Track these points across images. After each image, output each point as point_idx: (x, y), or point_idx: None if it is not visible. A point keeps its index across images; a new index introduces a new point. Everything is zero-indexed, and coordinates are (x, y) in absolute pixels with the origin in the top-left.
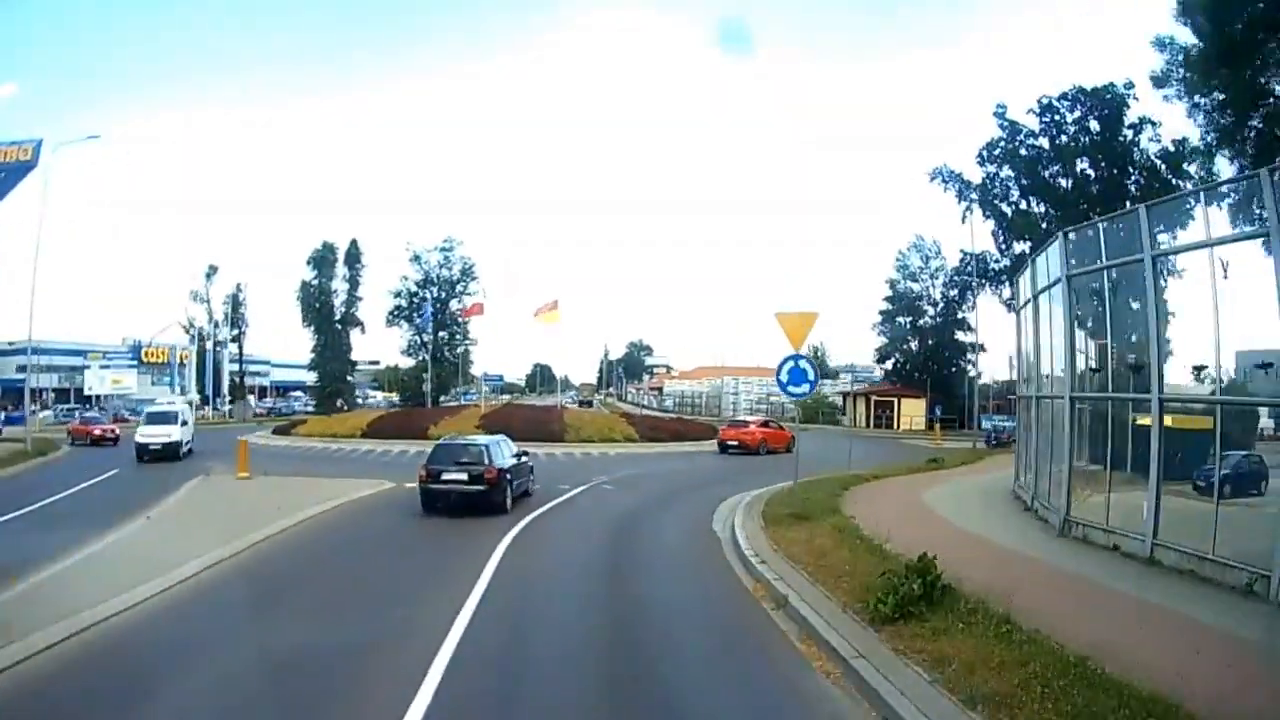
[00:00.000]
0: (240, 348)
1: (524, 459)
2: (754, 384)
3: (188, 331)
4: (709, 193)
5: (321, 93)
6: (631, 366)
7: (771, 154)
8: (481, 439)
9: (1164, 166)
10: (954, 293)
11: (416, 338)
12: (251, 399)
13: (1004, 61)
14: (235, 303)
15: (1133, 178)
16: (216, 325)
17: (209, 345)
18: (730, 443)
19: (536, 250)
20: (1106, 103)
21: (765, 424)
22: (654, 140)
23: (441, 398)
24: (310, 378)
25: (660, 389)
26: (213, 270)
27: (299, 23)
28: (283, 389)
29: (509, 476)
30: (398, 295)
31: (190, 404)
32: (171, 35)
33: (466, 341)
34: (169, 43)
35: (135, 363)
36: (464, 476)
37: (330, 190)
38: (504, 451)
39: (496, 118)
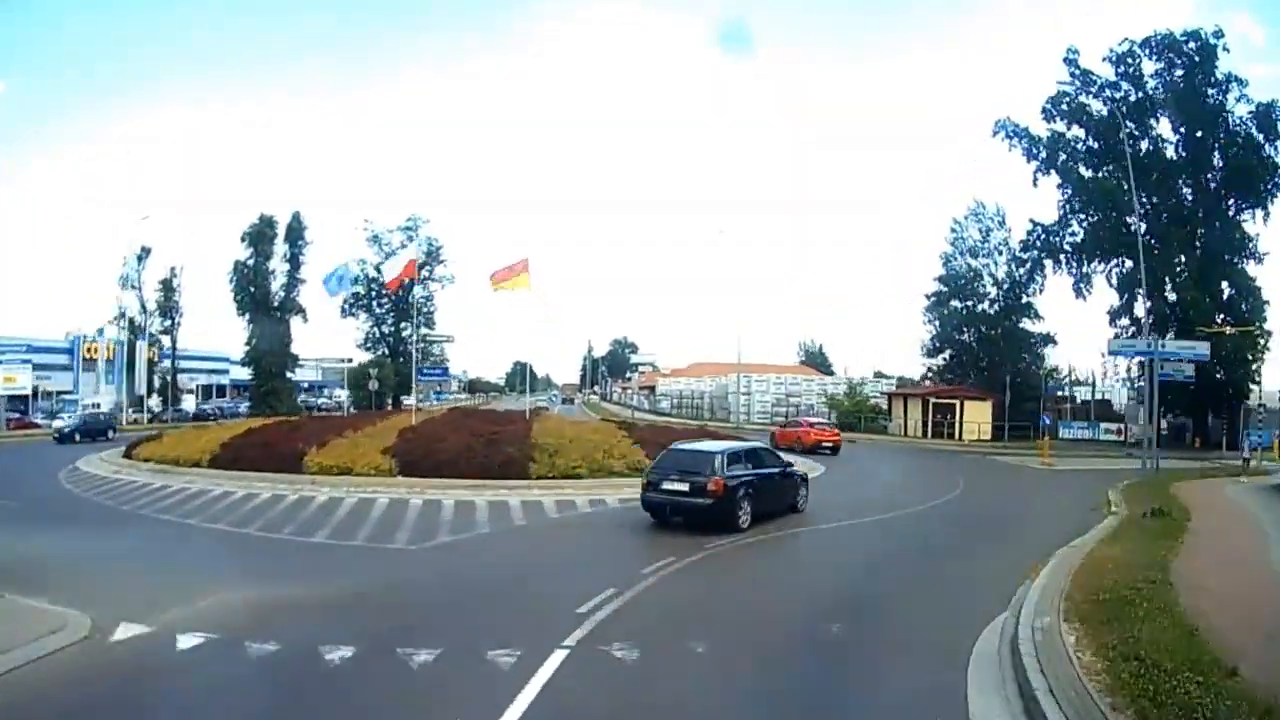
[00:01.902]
0: (174, 340)
1: (789, 469)
2: (769, 381)
3: (115, 323)
4: (695, 190)
5: (309, 92)
6: (616, 365)
7: (761, 150)
8: (718, 445)
9: (1257, 131)
10: (1021, 271)
11: (375, 329)
12: (190, 399)
13: (1004, 61)
14: (169, 289)
15: (1219, 141)
16: (149, 315)
17: (140, 338)
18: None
19: (518, 248)
20: (1192, 53)
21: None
22: (639, 137)
23: (403, 397)
24: (247, 374)
25: (653, 388)
26: (145, 252)
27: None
28: (242, 387)
29: (747, 491)
30: (355, 282)
31: (119, 405)
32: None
33: (440, 338)
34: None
35: (69, 358)
36: (684, 487)
37: (297, 182)
38: (755, 461)
39: (481, 115)
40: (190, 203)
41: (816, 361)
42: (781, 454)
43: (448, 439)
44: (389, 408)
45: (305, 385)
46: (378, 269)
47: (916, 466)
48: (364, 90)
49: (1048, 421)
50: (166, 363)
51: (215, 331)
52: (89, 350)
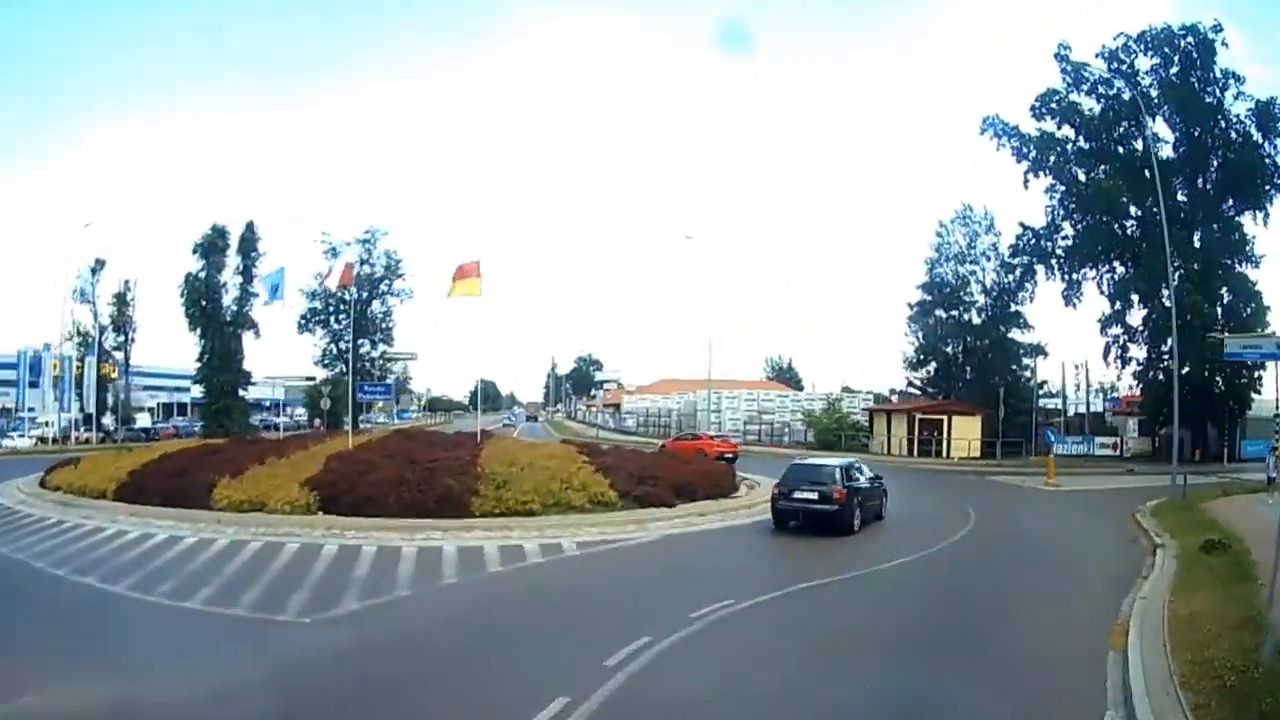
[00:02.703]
0: (126, 356)
1: (878, 479)
2: (739, 398)
3: (71, 339)
4: (661, 204)
5: (299, 98)
6: (580, 382)
7: (728, 163)
8: (832, 460)
9: (1256, 130)
10: (1010, 278)
11: (333, 345)
12: (144, 418)
13: (1003, 62)
14: (122, 302)
15: (1217, 141)
16: (103, 330)
17: (89, 353)
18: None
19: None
20: (1190, 48)
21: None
22: (600, 145)
23: (360, 417)
24: (204, 393)
25: (618, 405)
26: (99, 265)
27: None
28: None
29: (858, 499)
30: (313, 296)
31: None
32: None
33: (403, 355)
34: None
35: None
36: (813, 496)
37: (255, 193)
38: (858, 474)
39: (445, 128)
40: (147, 214)
41: (785, 377)
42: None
43: (379, 468)
44: (346, 428)
45: (267, 404)
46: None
47: (913, 492)
48: (333, 99)
49: (1052, 438)
50: (131, 380)
51: (177, 348)
52: (55, 367)
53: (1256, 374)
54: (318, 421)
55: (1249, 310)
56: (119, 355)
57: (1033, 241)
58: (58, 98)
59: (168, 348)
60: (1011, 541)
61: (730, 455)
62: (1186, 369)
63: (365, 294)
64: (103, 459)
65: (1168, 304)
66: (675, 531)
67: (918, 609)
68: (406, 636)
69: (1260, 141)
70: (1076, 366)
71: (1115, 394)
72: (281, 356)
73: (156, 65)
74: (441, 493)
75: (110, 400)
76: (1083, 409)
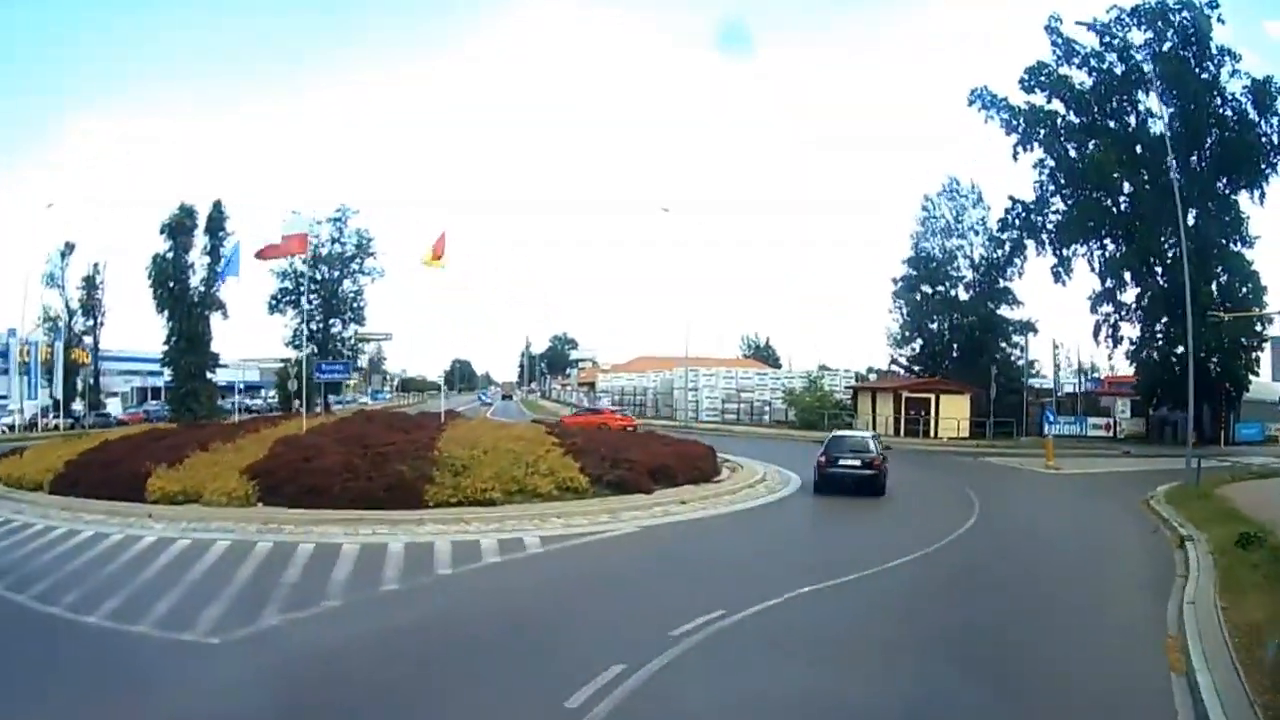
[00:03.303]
0: (95, 340)
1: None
2: (718, 376)
3: (39, 324)
4: (636, 178)
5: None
6: (556, 361)
7: (699, 139)
8: (865, 432)
9: (1252, 108)
10: (1000, 253)
11: (304, 326)
12: (115, 403)
13: (993, 37)
14: (91, 286)
15: (1212, 118)
16: (72, 315)
17: (57, 338)
18: None
19: (462, 242)
20: (1185, 23)
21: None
22: (574, 127)
23: (331, 398)
24: (172, 376)
25: (593, 384)
26: (69, 248)
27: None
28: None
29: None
30: (283, 277)
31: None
32: None
33: (377, 336)
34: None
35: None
36: (856, 463)
37: (228, 176)
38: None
39: (421, 111)
40: (120, 198)
41: (763, 356)
42: None
43: (326, 453)
44: (318, 410)
45: (243, 386)
46: (306, 262)
47: (908, 475)
48: (320, 79)
49: (1051, 418)
50: (102, 364)
51: (153, 331)
52: (23, 353)
53: (1255, 354)
54: (296, 403)
55: (1245, 290)
56: (89, 340)
57: (1022, 216)
58: (24, 82)
59: (144, 331)
60: (1025, 534)
61: (632, 429)
62: (1181, 349)
63: (336, 273)
64: (48, 448)
65: (1164, 283)
66: (653, 522)
67: (937, 624)
68: (324, 665)
69: (1256, 120)
70: (1056, 346)
71: (1096, 374)
72: (261, 338)
73: (124, 50)
74: (392, 481)
75: (80, 386)
76: (1069, 389)
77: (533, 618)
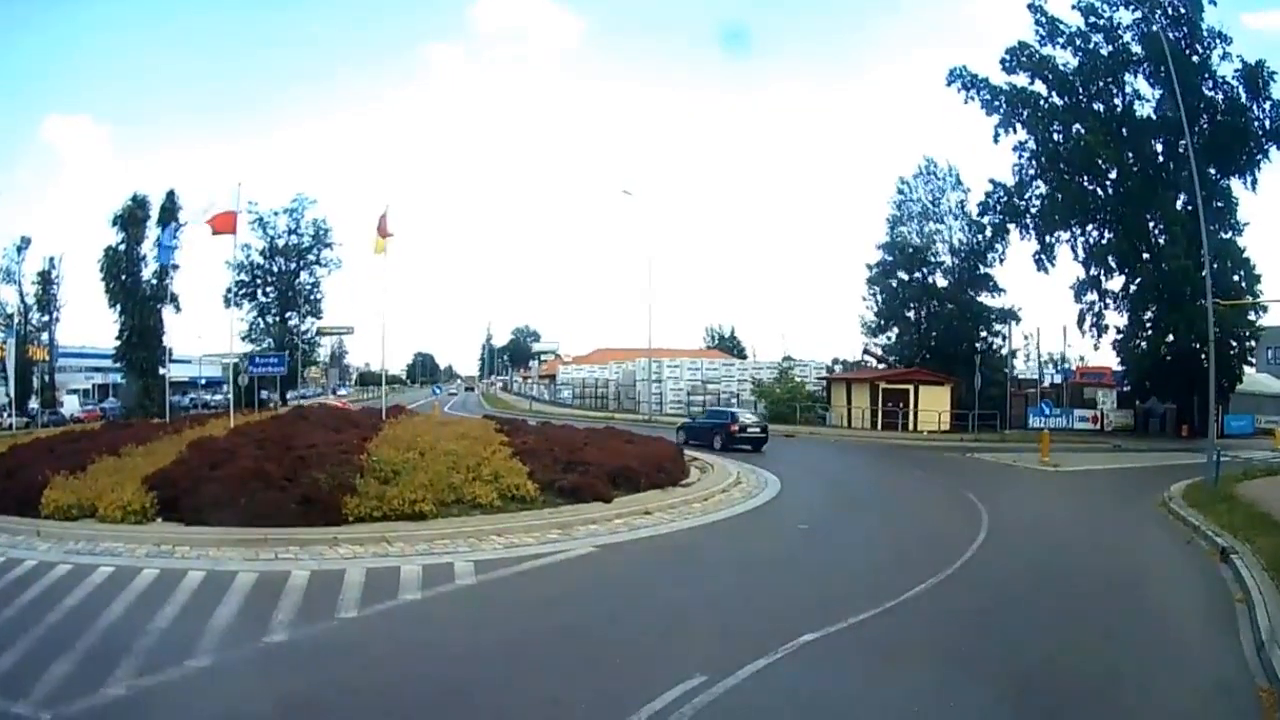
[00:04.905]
0: (51, 337)
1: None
2: (682, 367)
3: None
4: (598, 168)
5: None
6: (518, 353)
7: (660, 126)
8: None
9: (1244, 92)
10: (980, 237)
11: (259, 319)
12: (74, 400)
13: (986, 40)
14: (47, 281)
15: (1201, 102)
16: (27, 310)
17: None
18: None
19: (414, 233)
20: (1174, 3)
21: None
22: (538, 125)
23: (289, 393)
24: (124, 372)
25: (553, 376)
26: (25, 243)
27: None
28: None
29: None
30: (240, 269)
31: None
32: None
33: (338, 330)
34: None
35: None
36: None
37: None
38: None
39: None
40: (76, 191)
41: (727, 346)
42: None
43: (238, 458)
44: (275, 406)
45: (203, 381)
46: (262, 254)
47: (892, 473)
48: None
49: (1046, 411)
50: (60, 361)
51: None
52: None
53: (1248, 344)
54: (266, 397)
55: (1240, 276)
56: (44, 336)
57: (1004, 199)
58: None
59: (105, 327)
60: (1046, 548)
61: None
62: (1171, 338)
63: (293, 265)
64: None
65: (1154, 270)
66: (612, 539)
67: (988, 683)
68: None
69: (1248, 105)
70: (1025, 337)
71: (1067, 364)
72: (223, 333)
73: (87, 41)
74: (307, 492)
75: (36, 383)
76: (1049, 380)
77: (446, 691)
